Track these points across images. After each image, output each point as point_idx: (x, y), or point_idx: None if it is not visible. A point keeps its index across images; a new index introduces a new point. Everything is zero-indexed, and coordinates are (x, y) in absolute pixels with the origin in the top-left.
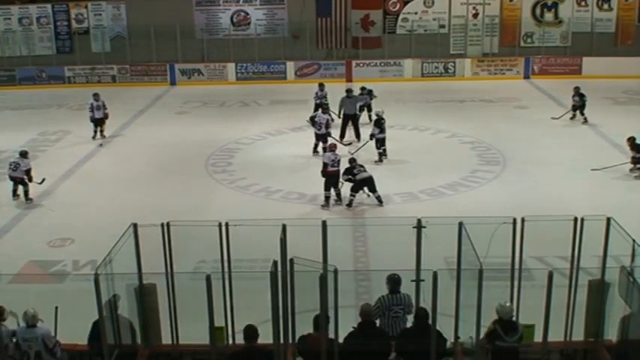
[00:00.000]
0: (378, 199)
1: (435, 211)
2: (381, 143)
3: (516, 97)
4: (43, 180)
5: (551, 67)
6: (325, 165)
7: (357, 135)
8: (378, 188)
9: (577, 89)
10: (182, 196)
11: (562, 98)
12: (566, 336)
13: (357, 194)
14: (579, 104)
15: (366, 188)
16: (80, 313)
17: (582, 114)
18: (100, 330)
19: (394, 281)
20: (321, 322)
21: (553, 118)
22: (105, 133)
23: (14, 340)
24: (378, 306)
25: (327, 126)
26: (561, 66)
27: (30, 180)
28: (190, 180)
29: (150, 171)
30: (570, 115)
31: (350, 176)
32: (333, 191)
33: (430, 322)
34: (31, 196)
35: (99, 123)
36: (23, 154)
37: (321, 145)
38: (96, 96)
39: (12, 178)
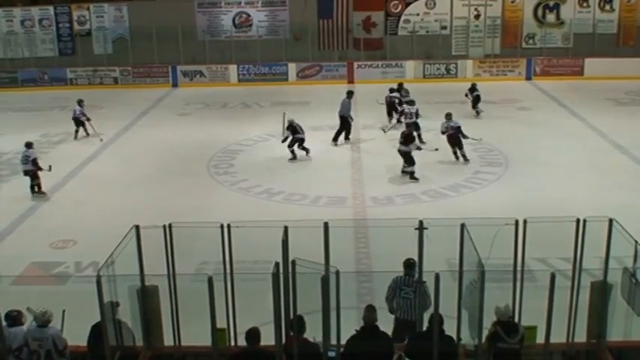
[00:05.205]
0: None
1: (437, 212)
2: (299, 143)
3: (518, 98)
4: (50, 167)
5: (553, 69)
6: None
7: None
8: (378, 188)
9: (474, 85)
10: (184, 197)
11: (564, 99)
12: (569, 337)
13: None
14: (473, 98)
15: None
16: (82, 314)
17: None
18: (102, 331)
19: (406, 265)
20: (323, 324)
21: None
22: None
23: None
24: (390, 284)
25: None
26: (563, 67)
27: (39, 169)
28: (192, 181)
29: (152, 172)
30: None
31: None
32: (458, 152)
33: (425, 324)
34: (43, 189)
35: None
36: (28, 145)
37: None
38: (81, 102)
39: (26, 173)
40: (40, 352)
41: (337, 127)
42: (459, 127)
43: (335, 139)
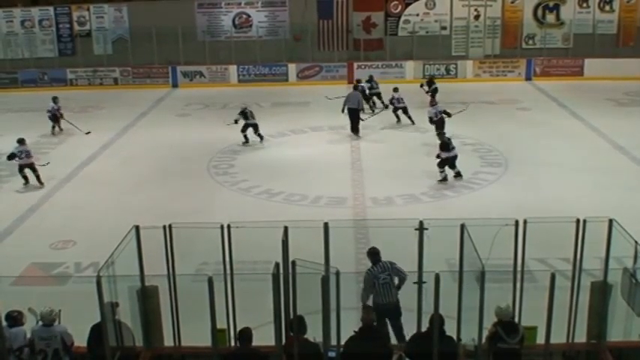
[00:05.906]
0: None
1: (437, 212)
2: (254, 129)
3: (518, 98)
4: (47, 163)
5: (553, 69)
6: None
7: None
8: (378, 189)
9: (430, 77)
10: (184, 198)
11: (564, 100)
12: (569, 338)
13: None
14: (430, 90)
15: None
16: (82, 315)
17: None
18: (102, 332)
19: (371, 253)
20: (323, 324)
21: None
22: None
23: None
24: (365, 278)
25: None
26: (563, 67)
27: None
28: (192, 182)
29: (152, 173)
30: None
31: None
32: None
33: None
34: (40, 185)
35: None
36: (21, 141)
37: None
38: (56, 99)
39: (25, 166)
40: (48, 351)
41: (348, 124)
42: (444, 110)
43: (356, 131)
